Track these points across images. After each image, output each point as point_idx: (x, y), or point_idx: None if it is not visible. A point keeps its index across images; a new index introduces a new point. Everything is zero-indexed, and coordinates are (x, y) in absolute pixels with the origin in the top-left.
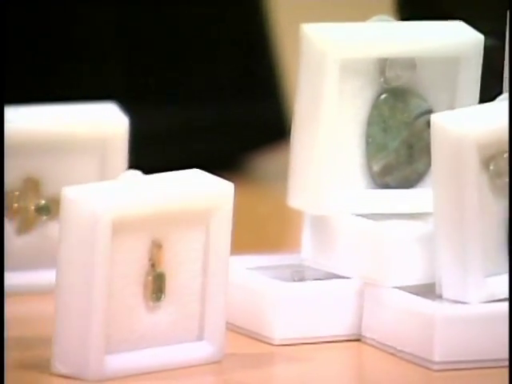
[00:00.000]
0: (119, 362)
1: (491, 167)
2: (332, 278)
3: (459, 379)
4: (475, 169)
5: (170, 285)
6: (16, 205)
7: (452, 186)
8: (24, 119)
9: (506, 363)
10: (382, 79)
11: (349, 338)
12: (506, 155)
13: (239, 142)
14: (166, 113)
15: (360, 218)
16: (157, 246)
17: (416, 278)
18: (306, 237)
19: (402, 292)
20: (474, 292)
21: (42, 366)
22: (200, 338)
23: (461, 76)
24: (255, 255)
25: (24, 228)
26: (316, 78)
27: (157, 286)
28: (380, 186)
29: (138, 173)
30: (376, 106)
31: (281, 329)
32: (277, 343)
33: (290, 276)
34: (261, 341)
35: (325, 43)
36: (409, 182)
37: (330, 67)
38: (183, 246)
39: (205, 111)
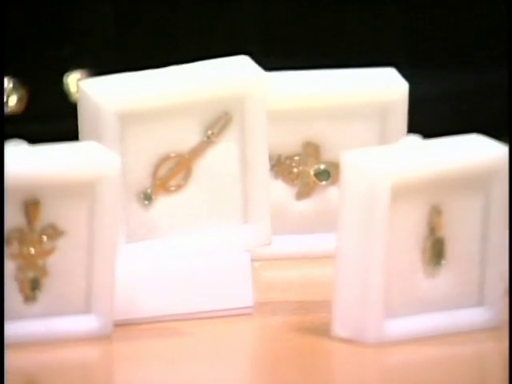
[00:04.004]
0: (398, 326)
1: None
2: None
3: None
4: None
5: (449, 250)
6: (296, 170)
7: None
8: (305, 84)
9: None
10: None
11: None
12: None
13: None
14: (446, 77)
15: None
16: (436, 211)
17: None
18: None
19: None
20: None
21: (322, 330)
22: (480, 303)
23: None
24: None
25: (304, 192)
26: None
27: (436, 251)
28: None
29: (418, 138)
30: None
31: None
32: None
33: None
34: None
35: None
36: None
37: None
38: (462, 211)
39: (485, 75)
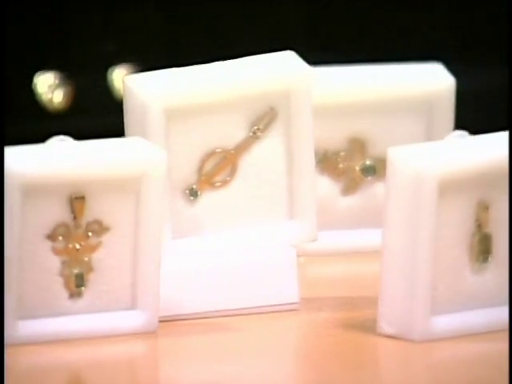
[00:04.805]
0: (445, 322)
1: None
2: None
3: None
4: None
5: (496, 246)
6: (341, 165)
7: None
8: (352, 79)
9: None
10: None
11: None
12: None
13: None
14: (493, 73)
15: None
16: (483, 207)
17: None
18: None
19: None
20: None
21: (368, 326)
22: None
23: None
24: None
25: (350, 188)
26: None
27: (483, 247)
28: None
29: (464, 133)
30: None
31: None
32: None
33: None
34: None
35: None
36: None
37: None
38: (509, 206)
39: None
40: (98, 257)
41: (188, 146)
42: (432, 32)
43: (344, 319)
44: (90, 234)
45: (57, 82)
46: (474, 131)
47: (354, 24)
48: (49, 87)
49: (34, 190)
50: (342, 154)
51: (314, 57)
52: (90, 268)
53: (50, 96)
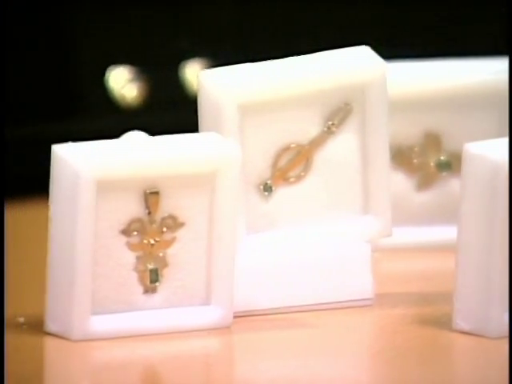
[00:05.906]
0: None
1: None
2: None
3: None
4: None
5: None
6: (415, 160)
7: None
8: (427, 74)
9: None
10: None
11: None
12: None
13: None
14: None
15: None
16: None
17: None
18: None
19: None
20: None
21: (443, 322)
22: None
23: None
24: None
25: (424, 184)
26: None
27: None
28: None
29: None
30: None
31: None
32: None
33: None
34: None
35: None
36: None
37: None
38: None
39: None
40: (172, 252)
41: (262, 141)
42: (503, 24)
43: (418, 315)
44: (164, 229)
45: (130, 76)
46: None
47: (430, 19)
48: (122, 82)
49: (109, 185)
50: (417, 149)
51: (390, 52)
52: (164, 263)
53: (123, 91)
